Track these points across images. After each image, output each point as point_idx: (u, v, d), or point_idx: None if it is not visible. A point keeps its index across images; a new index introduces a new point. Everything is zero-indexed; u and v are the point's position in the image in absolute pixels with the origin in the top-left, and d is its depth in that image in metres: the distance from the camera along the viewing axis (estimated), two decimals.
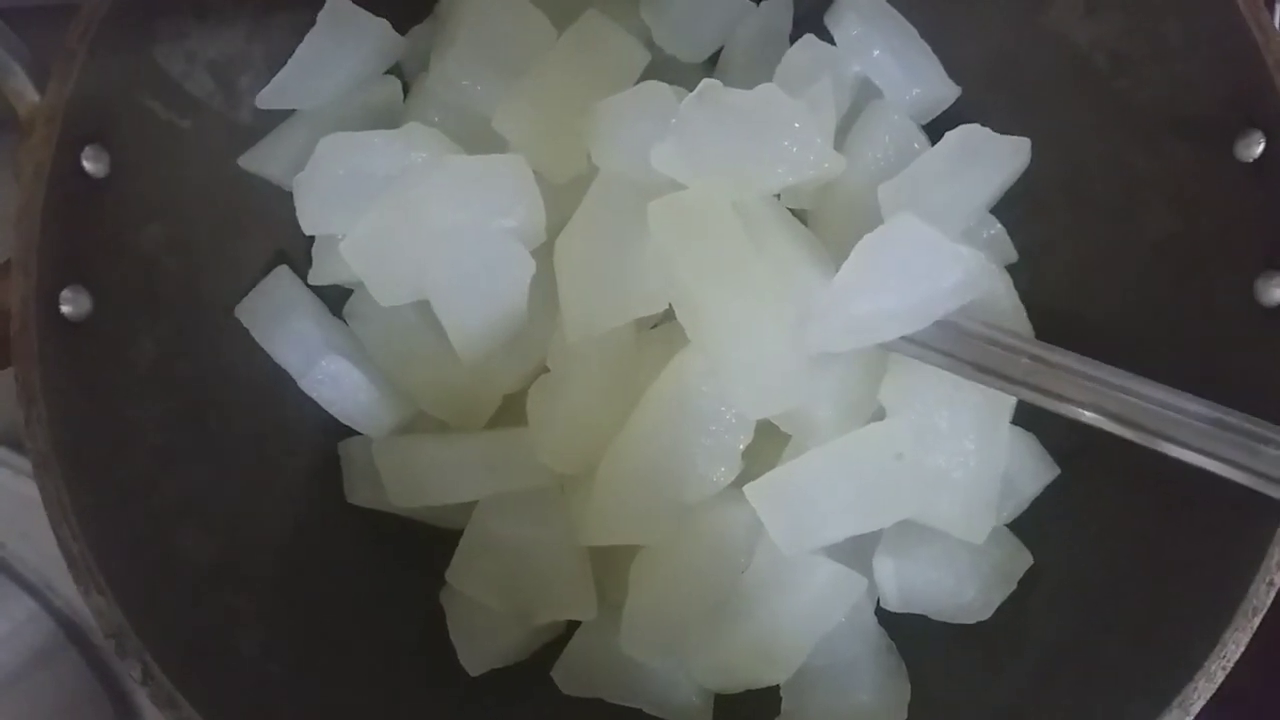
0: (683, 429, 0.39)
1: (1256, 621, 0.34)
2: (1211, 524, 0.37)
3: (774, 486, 0.39)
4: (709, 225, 0.38)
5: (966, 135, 0.43)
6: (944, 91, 0.46)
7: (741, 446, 0.39)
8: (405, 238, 0.39)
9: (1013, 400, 0.40)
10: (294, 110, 0.44)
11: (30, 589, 0.52)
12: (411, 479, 0.41)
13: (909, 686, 0.41)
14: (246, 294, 0.43)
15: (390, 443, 0.43)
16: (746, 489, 0.39)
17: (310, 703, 0.39)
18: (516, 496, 0.41)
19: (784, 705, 0.41)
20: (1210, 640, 0.34)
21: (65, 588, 0.51)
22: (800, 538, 0.39)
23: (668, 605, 0.40)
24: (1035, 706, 0.39)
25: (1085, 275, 0.44)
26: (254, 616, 0.40)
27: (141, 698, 0.50)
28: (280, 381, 0.44)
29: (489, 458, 0.41)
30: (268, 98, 0.43)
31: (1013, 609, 0.41)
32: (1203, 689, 0.34)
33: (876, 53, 0.44)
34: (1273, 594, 0.34)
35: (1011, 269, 0.45)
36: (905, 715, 0.40)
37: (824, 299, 0.38)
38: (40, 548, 0.51)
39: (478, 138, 0.42)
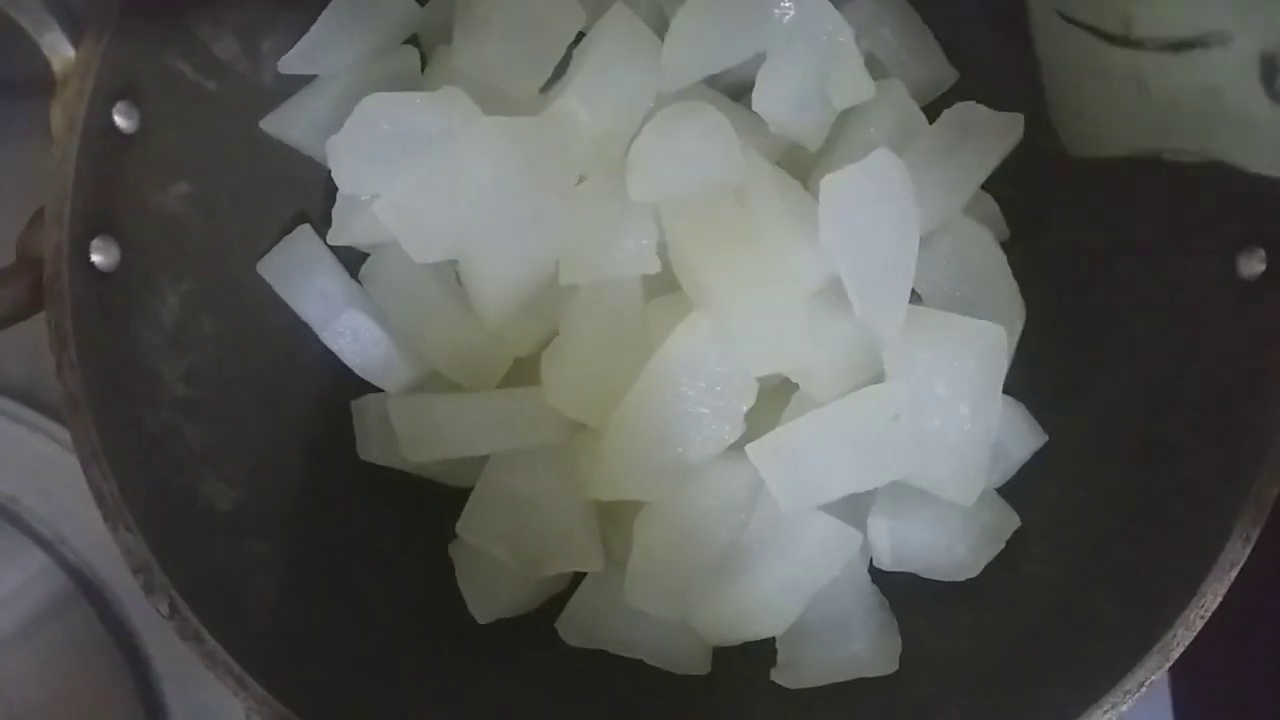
0: (688, 390, 0.40)
1: (1233, 574, 0.36)
2: (1191, 485, 0.39)
3: (775, 446, 0.40)
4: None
5: (962, 112, 0.44)
6: (944, 75, 0.48)
7: (745, 408, 0.41)
8: (443, 196, 0.40)
9: (1005, 367, 0.41)
10: (314, 76, 0.46)
11: (43, 542, 0.53)
12: (426, 434, 0.43)
13: (900, 640, 0.42)
14: (266, 253, 0.45)
15: (405, 399, 0.44)
16: (749, 448, 0.40)
17: (325, 647, 0.40)
18: (527, 452, 0.43)
19: (780, 657, 0.43)
20: (1189, 591, 0.36)
21: (78, 541, 0.53)
22: (800, 495, 0.40)
23: (671, 559, 0.42)
24: (1022, 658, 0.40)
25: (1074, 248, 0.46)
26: (271, 562, 0.41)
27: (152, 648, 0.51)
28: (295, 341, 0.45)
29: (502, 414, 0.43)
30: (290, 63, 0.44)
31: (1001, 567, 0.43)
32: (1182, 636, 0.36)
33: (884, 31, 0.46)
34: (1248, 549, 0.36)
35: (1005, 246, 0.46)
36: (897, 666, 0.42)
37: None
38: (53, 501, 0.53)
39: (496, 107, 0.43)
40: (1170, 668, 0.36)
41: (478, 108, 0.41)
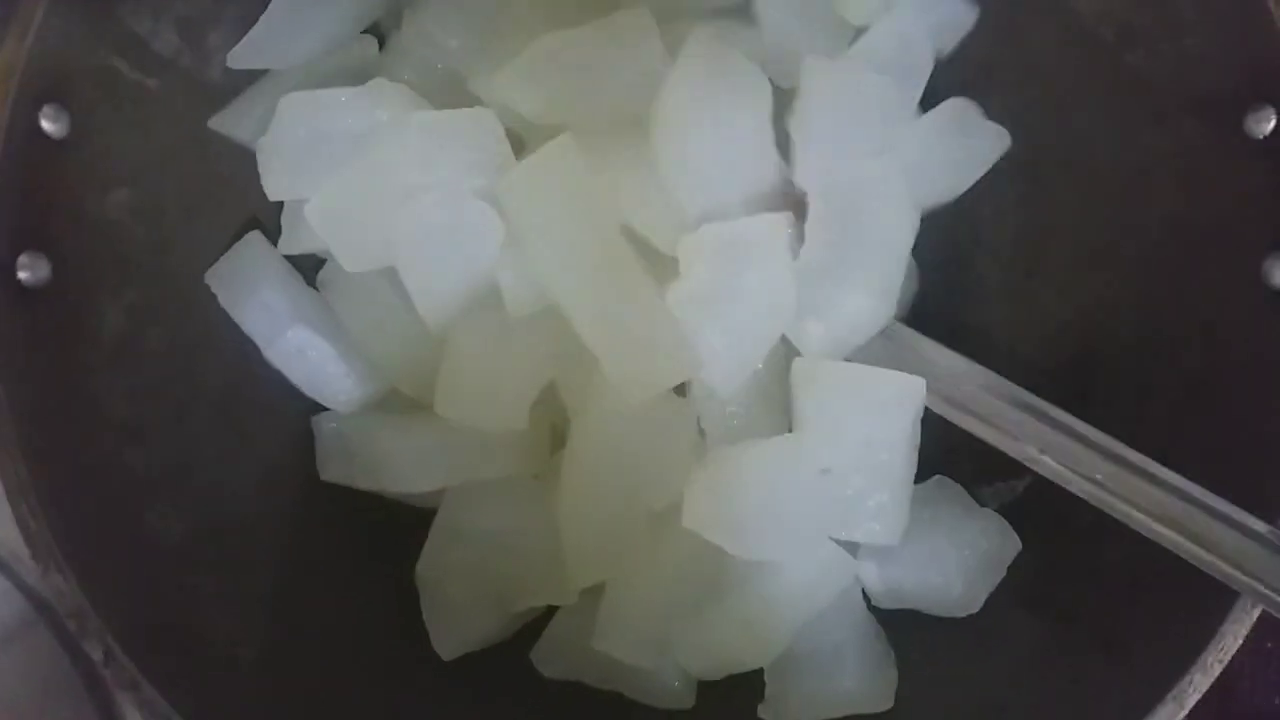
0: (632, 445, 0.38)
1: (1255, 614, 0.33)
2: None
3: (706, 510, 0.37)
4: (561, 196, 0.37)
5: (959, 110, 0.42)
6: (964, 16, 0.44)
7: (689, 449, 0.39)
8: (371, 200, 0.38)
9: (922, 399, 0.39)
10: (267, 70, 0.42)
11: (0, 565, 0.50)
12: (377, 461, 0.40)
13: (896, 674, 0.40)
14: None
15: (356, 421, 0.41)
16: (685, 520, 0.37)
17: (280, 687, 0.38)
18: (487, 484, 0.40)
19: (768, 690, 0.40)
20: (1208, 632, 0.33)
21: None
22: (751, 548, 0.38)
23: (644, 604, 0.39)
24: (1025, 697, 0.38)
25: (1089, 255, 0.43)
26: (223, 597, 0.39)
27: None
28: (254, 353, 0.43)
29: (457, 445, 0.40)
30: (239, 56, 0.41)
31: (1004, 599, 0.40)
32: (1198, 683, 0.33)
33: None
34: None
35: (1014, 247, 0.43)
36: (892, 703, 0.39)
37: None
38: (10, 523, 0.50)
39: (450, 96, 0.40)
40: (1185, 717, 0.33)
41: (412, 98, 0.39)
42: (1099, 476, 0.36)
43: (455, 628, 0.41)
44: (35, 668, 0.50)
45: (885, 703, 0.39)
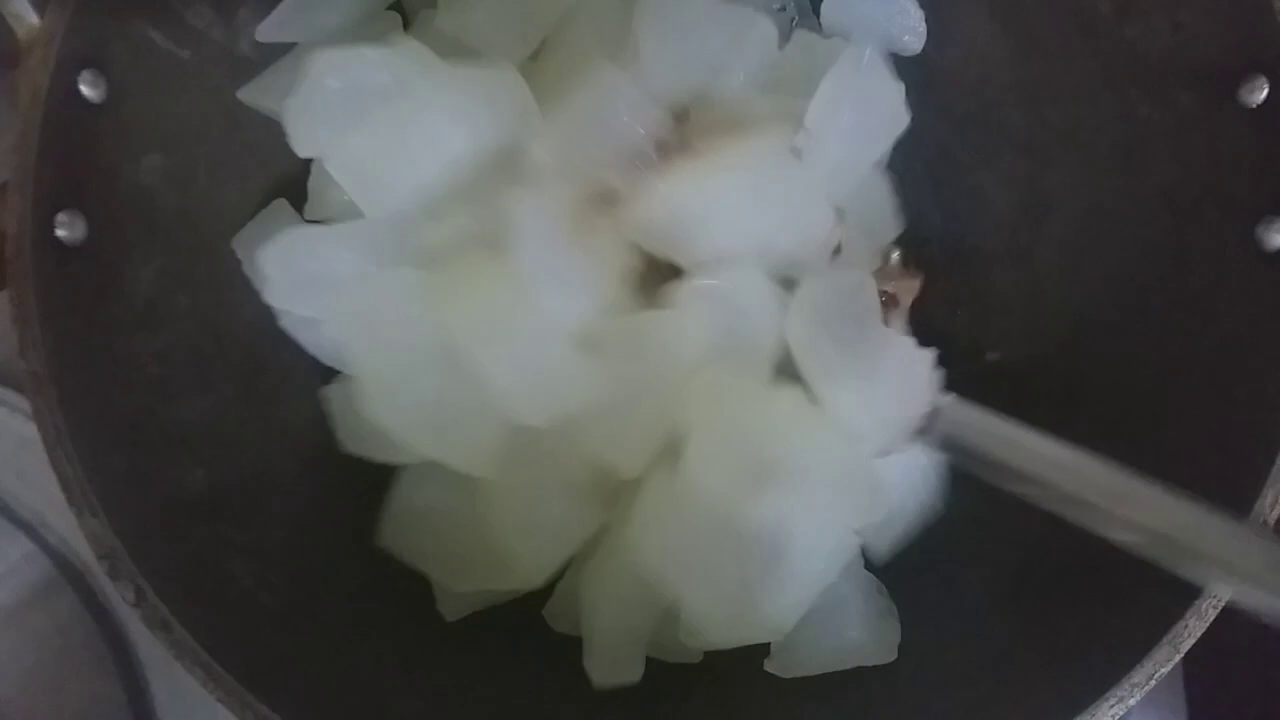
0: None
1: None
2: (1208, 451, 0.38)
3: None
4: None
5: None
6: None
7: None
8: (397, 148, 0.39)
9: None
10: (294, 44, 0.44)
11: (26, 528, 0.52)
12: (362, 428, 0.41)
13: (899, 627, 0.41)
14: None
15: (341, 385, 0.42)
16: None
17: (301, 635, 0.39)
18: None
19: (773, 644, 0.41)
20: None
21: (61, 526, 0.51)
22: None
23: (631, 624, 0.40)
24: (1026, 648, 0.38)
25: (1088, 226, 0.44)
26: (246, 548, 0.40)
27: (136, 635, 0.50)
28: (276, 318, 0.44)
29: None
30: (268, 30, 0.43)
31: (1005, 547, 0.41)
32: (1193, 627, 0.34)
33: None
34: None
35: (1015, 219, 0.44)
36: (895, 655, 0.40)
37: None
38: (36, 486, 0.51)
39: None
40: (1183, 659, 0.34)
41: (435, 58, 0.40)
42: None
43: (448, 596, 0.41)
44: (59, 629, 0.51)
45: (889, 654, 0.40)
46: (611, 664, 0.39)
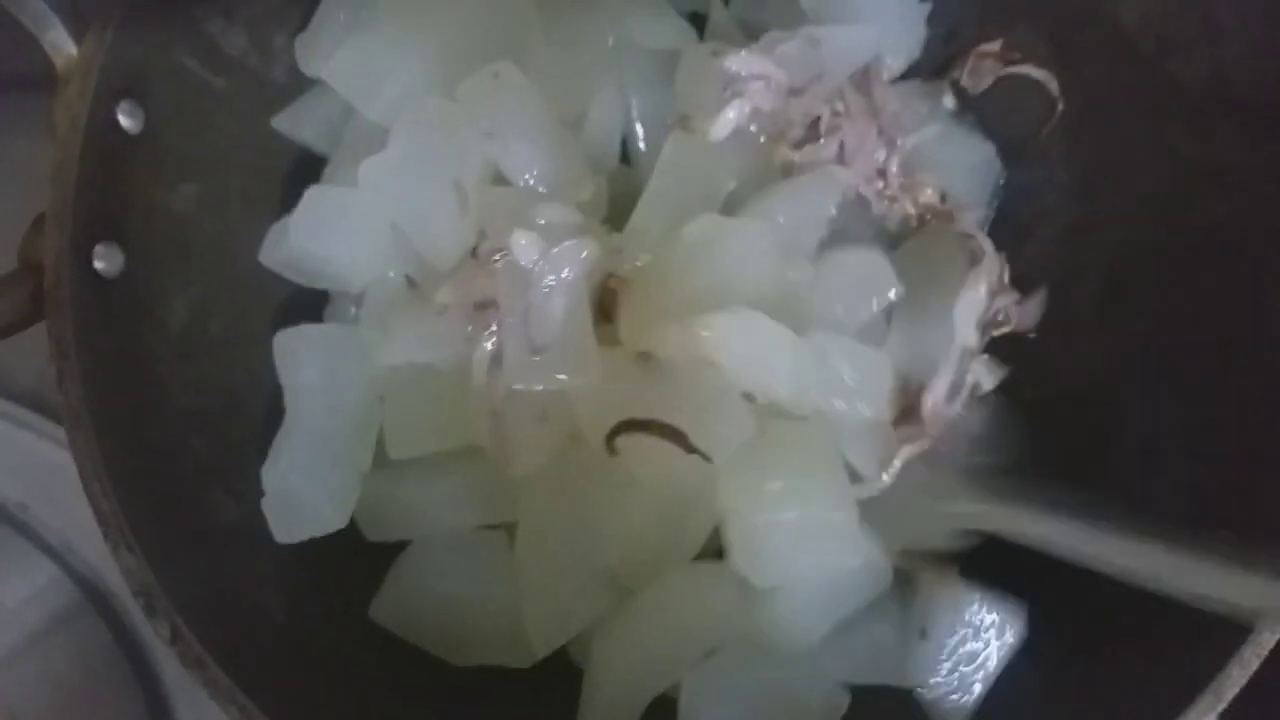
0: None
1: None
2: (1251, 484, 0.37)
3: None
4: None
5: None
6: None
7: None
8: (394, 52, 0.40)
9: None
10: None
11: (52, 553, 0.52)
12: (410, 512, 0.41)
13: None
14: None
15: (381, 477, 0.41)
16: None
17: (333, 668, 0.39)
18: (452, 540, 0.41)
19: None
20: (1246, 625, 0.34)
21: (87, 551, 0.51)
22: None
23: (629, 681, 0.39)
24: (1064, 693, 0.38)
25: (1129, 262, 0.43)
26: (278, 580, 0.40)
27: (160, 659, 0.50)
28: None
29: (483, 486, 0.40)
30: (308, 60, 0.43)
31: (1048, 594, 0.40)
32: (1236, 676, 0.34)
33: None
34: None
35: (1052, 255, 0.44)
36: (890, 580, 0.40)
37: None
38: (63, 511, 0.51)
39: None
40: (1223, 712, 0.33)
41: None
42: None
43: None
44: (84, 655, 0.51)
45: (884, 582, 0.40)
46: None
